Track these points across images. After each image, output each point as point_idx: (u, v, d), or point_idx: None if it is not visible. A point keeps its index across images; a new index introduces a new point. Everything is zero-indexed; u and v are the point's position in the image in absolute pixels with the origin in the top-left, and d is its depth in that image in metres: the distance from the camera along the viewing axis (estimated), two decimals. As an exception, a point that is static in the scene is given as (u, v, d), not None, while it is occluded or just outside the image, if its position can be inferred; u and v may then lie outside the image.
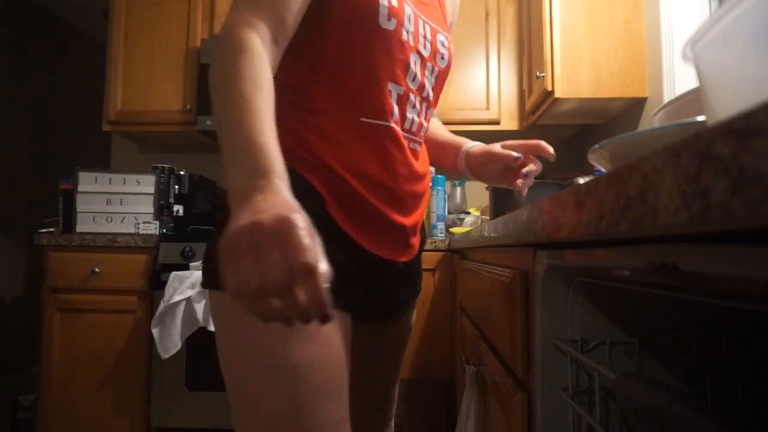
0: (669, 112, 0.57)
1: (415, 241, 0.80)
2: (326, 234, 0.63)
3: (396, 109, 0.73)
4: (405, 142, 0.75)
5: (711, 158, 0.23)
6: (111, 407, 1.99)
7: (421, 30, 0.76)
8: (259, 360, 0.61)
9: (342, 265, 0.66)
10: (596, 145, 0.44)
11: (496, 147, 0.91)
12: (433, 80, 0.80)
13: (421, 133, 0.79)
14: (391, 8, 0.70)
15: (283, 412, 0.60)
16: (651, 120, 0.61)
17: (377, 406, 0.87)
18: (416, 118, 0.77)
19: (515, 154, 0.89)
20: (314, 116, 0.69)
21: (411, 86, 0.75)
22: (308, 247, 0.43)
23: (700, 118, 0.39)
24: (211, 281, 0.68)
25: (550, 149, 0.90)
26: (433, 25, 0.79)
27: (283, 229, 0.43)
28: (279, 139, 0.63)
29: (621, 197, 0.33)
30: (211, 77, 0.61)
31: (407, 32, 0.73)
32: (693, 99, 0.55)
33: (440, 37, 0.79)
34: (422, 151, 0.82)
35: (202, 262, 0.71)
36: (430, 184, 2.23)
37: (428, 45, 0.77)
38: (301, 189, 0.63)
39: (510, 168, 0.91)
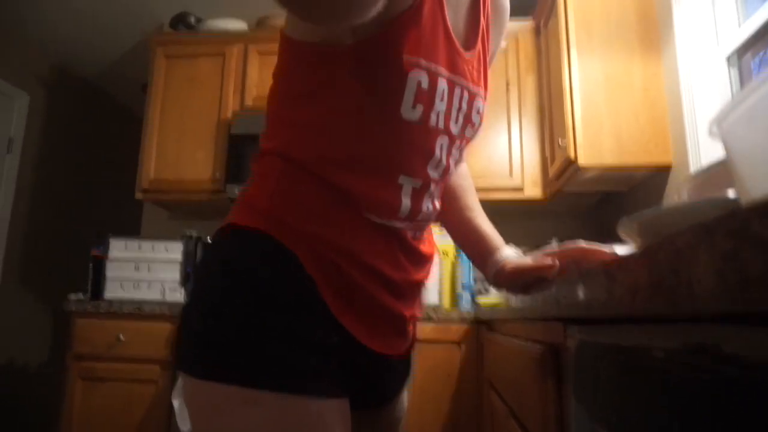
0: (698, 184, 0.57)
1: (412, 329, 0.75)
2: (320, 318, 0.60)
3: (407, 205, 0.66)
4: (412, 239, 0.70)
5: (747, 237, 0.22)
6: (127, 482, 1.93)
7: (455, 103, 0.67)
8: None
9: (338, 347, 0.62)
10: (624, 218, 0.43)
11: (523, 261, 0.79)
12: (458, 154, 0.72)
13: (434, 215, 0.73)
14: (419, 93, 0.61)
15: None
16: (680, 193, 0.60)
17: None
18: (431, 206, 0.71)
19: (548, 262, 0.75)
20: (309, 188, 0.63)
21: (432, 175, 0.68)
22: None
23: (731, 192, 0.38)
24: (186, 361, 0.61)
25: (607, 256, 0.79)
26: (471, 89, 0.68)
27: None
28: (271, 208, 0.62)
29: (654, 273, 0.32)
30: None
31: (437, 115, 0.64)
32: (723, 170, 0.55)
33: (477, 104, 0.70)
34: (429, 231, 0.75)
35: (183, 340, 0.63)
36: (455, 253, 2.22)
37: (461, 119, 0.68)
38: (292, 273, 0.60)
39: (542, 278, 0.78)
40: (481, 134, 2.36)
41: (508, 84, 2.44)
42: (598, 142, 1.81)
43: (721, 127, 0.30)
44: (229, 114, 2.52)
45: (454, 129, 0.67)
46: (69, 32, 3.12)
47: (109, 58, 3.41)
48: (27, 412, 3.20)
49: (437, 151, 0.66)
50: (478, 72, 0.70)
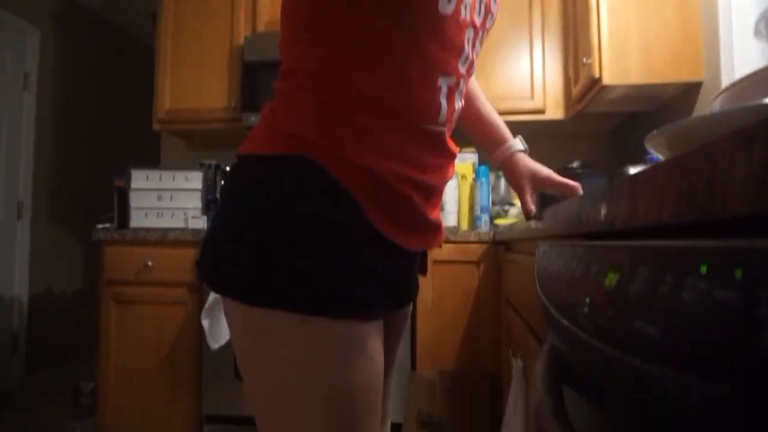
0: (731, 95, 0.54)
1: (442, 233, 0.78)
2: (367, 241, 0.63)
3: (444, 106, 0.67)
4: (447, 139, 0.71)
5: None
6: (165, 395, 2.07)
7: None
8: (312, 379, 0.59)
9: (383, 271, 0.65)
10: (654, 131, 0.42)
11: (543, 171, 0.92)
12: (480, 45, 0.73)
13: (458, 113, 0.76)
14: None
15: (339, 428, 0.60)
16: (711, 104, 0.58)
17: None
18: (461, 104, 0.73)
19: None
20: (347, 106, 0.63)
21: (461, 71, 0.69)
22: None
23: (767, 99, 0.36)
24: (235, 289, 0.61)
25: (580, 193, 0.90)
26: None
27: None
28: (307, 130, 0.62)
29: (685, 186, 0.31)
30: None
31: (465, 7, 0.65)
32: (757, 81, 0.52)
33: None
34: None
35: (212, 260, 0.64)
36: (473, 176, 2.20)
37: (482, 8, 0.69)
38: (337, 197, 0.61)
39: (538, 187, 0.93)
40: (501, 54, 2.28)
41: (531, 0, 2.32)
42: (625, 59, 1.73)
43: None
44: (242, 40, 2.45)
45: (478, 19, 0.68)
46: (72, -45, 3.00)
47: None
48: (68, 335, 3.40)
49: (465, 45, 0.67)
50: None
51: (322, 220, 0.61)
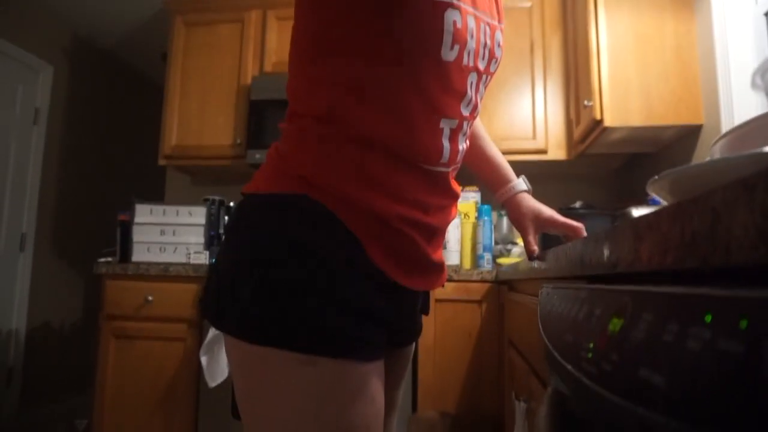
0: (731, 141, 0.55)
1: (445, 273, 0.79)
2: (369, 281, 0.63)
3: (447, 148, 0.68)
4: (450, 180, 0.72)
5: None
6: (160, 434, 2.02)
7: (481, 38, 0.68)
8: (312, 421, 0.59)
9: (386, 312, 0.65)
10: (656, 176, 0.42)
11: (546, 212, 0.93)
12: (483, 89, 0.74)
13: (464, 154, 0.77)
14: (456, 33, 0.63)
15: None
16: (711, 149, 0.58)
17: None
18: (465, 146, 0.74)
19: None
20: (352, 148, 0.64)
21: (464, 113, 0.69)
22: None
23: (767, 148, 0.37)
24: (237, 327, 0.61)
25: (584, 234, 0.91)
26: (491, 21, 0.70)
27: None
28: (312, 171, 0.63)
29: (687, 232, 0.31)
30: None
31: (468, 53, 0.66)
32: (757, 127, 0.53)
33: (498, 37, 0.71)
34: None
35: (214, 296, 0.64)
36: (476, 215, 2.21)
37: (486, 54, 0.69)
38: (339, 237, 0.62)
39: (541, 228, 0.94)
40: (504, 95, 2.31)
41: (532, 45, 2.37)
42: (626, 102, 1.76)
43: (765, 77, 0.29)
44: (249, 80, 2.51)
45: (482, 65, 0.69)
46: (89, 2, 3.10)
47: (129, 27, 3.40)
48: (65, 370, 3.35)
49: (468, 89, 0.68)
50: (494, 2, 0.72)
51: (326, 259, 0.61)
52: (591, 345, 0.35)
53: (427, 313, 0.84)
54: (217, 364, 1.87)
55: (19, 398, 2.99)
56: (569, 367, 0.39)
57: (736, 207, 0.26)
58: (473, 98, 0.70)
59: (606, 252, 0.47)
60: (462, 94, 0.68)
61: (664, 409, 0.24)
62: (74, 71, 3.46)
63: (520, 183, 0.95)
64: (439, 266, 0.75)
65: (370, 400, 0.62)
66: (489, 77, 0.74)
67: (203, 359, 1.88)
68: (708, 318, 0.23)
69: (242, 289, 0.61)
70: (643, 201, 1.83)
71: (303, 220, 0.62)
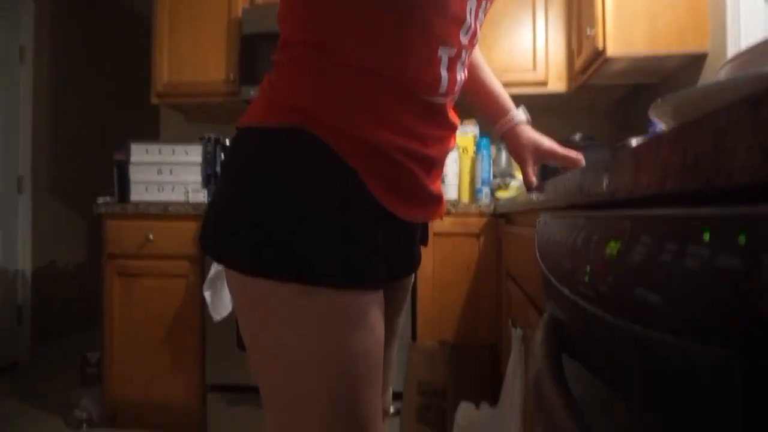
0: (737, 65, 0.53)
1: (443, 204, 0.79)
2: (368, 212, 0.64)
3: (445, 77, 0.67)
4: (448, 111, 0.71)
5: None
6: (168, 365, 2.10)
7: None
8: (314, 349, 0.60)
9: (384, 242, 0.66)
10: (659, 100, 0.41)
11: (545, 143, 0.92)
12: (483, 16, 0.71)
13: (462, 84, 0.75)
14: None
15: (337, 398, 0.61)
16: (717, 74, 0.57)
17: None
18: (463, 75, 0.72)
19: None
20: (347, 78, 0.62)
21: (463, 41, 0.68)
22: None
23: (776, 68, 0.36)
24: (237, 261, 0.62)
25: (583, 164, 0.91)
26: None
27: None
28: (307, 103, 0.62)
29: (689, 154, 0.31)
30: None
31: None
32: (764, 51, 0.51)
33: None
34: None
35: (214, 232, 0.65)
36: (474, 149, 2.19)
37: None
38: (337, 169, 0.62)
39: (540, 159, 0.94)
40: (503, 26, 2.24)
41: (534, -31, 2.27)
42: (630, 30, 1.70)
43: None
44: (240, 12, 2.41)
45: None
46: None
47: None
48: (72, 307, 3.44)
49: (467, 16, 0.66)
50: None
51: (322, 191, 0.61)
52: (588, 269, 0.36)
53: (426, 243, 0.85)
54: (220, 299, 1.91)
55: (31, 335, 3.09)
56: (566, 291, 0.40)
57: (740, 126, 0.25)
58: (472, 25, 0.68)
59: (605, 180, 0.47)
60: (461, 21, 0.66)
61: (660, 327, 0.25)
62: (57, 6, 3.31)
63: (519, 114, 0.94)
64: (438, 198, 0.75)
65: (370, 329, 0.63)
66: (489, 3, 0.71)
67: (207, 294, 1.92)
68: (706, 236, 0.23)
69: (240, 223, 0.61)
70: (644, 132, 1.81)
71: (298, 153, 0.62)
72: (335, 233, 0.61)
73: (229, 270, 0.64)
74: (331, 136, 0.62)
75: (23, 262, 3.05)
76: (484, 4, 0.69)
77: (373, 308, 0.64)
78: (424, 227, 0.83)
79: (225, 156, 0.64)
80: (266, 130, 0.64)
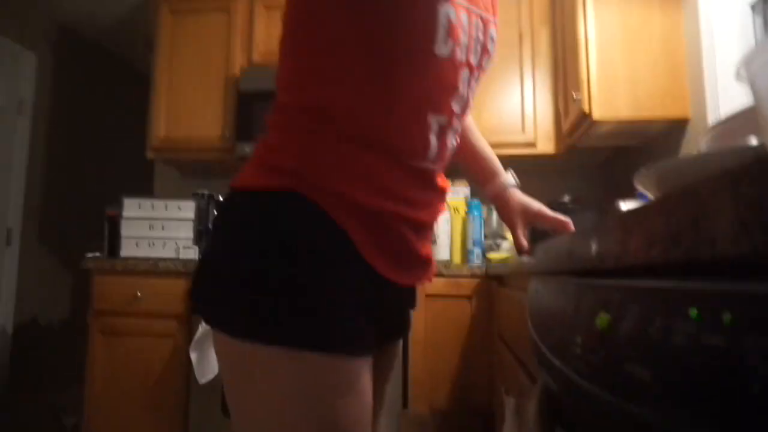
0: (718, 135, 0.55)
1: (433, 268, 0.78)
2: (358, 276, 0.63)
3: (434, 144, 0.67)
4: (437, 176, 0.72)
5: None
6: (151, 428, 2.01)
7: (474, 33, 0.67)
8: (300, 417, 0.58)
9: (373, 307, 0.65)
10: (643, 170, 0.42)
11: (534, 207, 0.93)
12: (475, 86, 0.73)
13: (453, 151, 0.76)
14: (450, 27, 0.62)
15: None
16: (698, 145, 0.59)
17: None
18: (454, 143, 0.73)
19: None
20: (339, 143, 0.63)
21: (456, 110, 0.69)
22: None
23: (753, 140, 0.37)
24: (226, 322, 0.61)
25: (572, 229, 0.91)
26: (485, 16, 0.69)
27: None
28: (298, 165, 0.62)
29: (673, 226, 0.31)
30: None
31: (461, 49, 0.65)
32: (743, 121, 0.53)
33: (491, 32, 0.70)
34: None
35: (203, 292, 0.64)
36: (466, 210, 2.21)
37: (479, 49, 0.69)
38: (327, 233, 0.61)
39: (529, 222, 0.94)
40: (492, 88, 2.31)
41: (521, 36, 2.37)
42: (613, 95, 1.77)
43: (749, 69, 0.29)
44: (237, 71, 2.49)
45: (474, 60, 0.68)
46: (73, -12, 3.06)
47: (113, 16, 3.35)
48: (53, 366, 3.32)
49: (460, 86, 0.67)
50: None
51: (314, 255, 0.61)
52: (579, 340, 0.35)
53: (414, 307, 0.84)
54: (207, 361, 1.86)
55: (7, 394, 2.96)
56: (558, 362, 0.39)
57: (721, 200, 0.26)
58: (465, 94, 0.70)
59: (594, 246, 0.47)
60: (454, 90, 0.67)
61: (650, 404, 0.24)
62: (58, 60, 3.40)
63: (509, 178, 0.95)
64: (428, 261, 0.75)
65: (360, 395, 0.62)
66: (481, 73, 0.73)
67: (193, 356, 1.87)
68: (693, 313, 0.23)
69: (230, 284, 0.60)
70: (630, 194, 1.84)
71: (292, 217, 0.62)
72: (324, 297, 0.60)
73: (216, 331, 0.63)
74: (322, 200, 0.62)
75: (4, 317, 2.98)
76: (477, 74, 0.71)
77: (362, 374, 0.62)
78: (413, 291, 0.82)
79: (217, 214, 0.65)
80: (257, 193, 0.64)
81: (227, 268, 0.62)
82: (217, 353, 0.64)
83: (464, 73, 0.68)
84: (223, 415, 1.93)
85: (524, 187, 0.98)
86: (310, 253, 0.60)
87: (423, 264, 0.73)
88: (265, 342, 0.58)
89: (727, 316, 0.20)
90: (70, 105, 3.52)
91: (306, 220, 0.62)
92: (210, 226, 2.33)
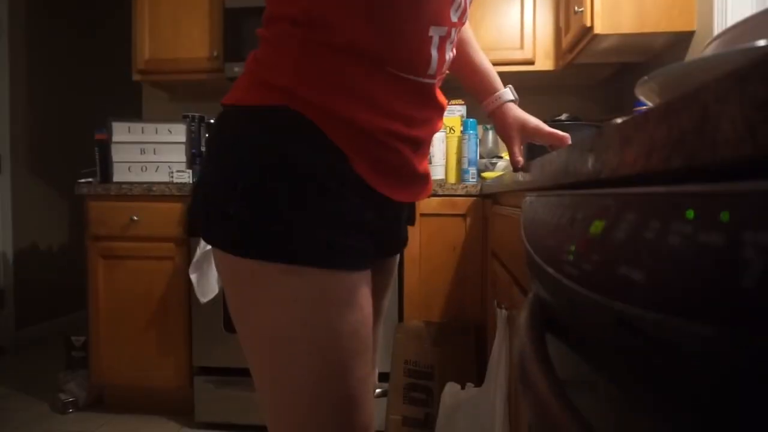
0: (724, 41, 0.53)
1: (430, 184, 0.79)
2: (355, 192, 0.64)
3: (435, 57, 0.66)
4: (436, 92, 0.71)
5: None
6: (156, 347, 2.09)
7: None
8: (303, 328, 0.61)
9: (371, 222, 0.66)
10: (645, 77, 0.41)
11: (532, 122, 0.92)
12: None
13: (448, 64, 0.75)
14: None
15: (327, 377, 0.62)
16: (702, 52, 0.56)
17: None
18: (451, 54, 0.72)
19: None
20: (334, 57, 0.62)
21: (454, 20, 0.67)
22: None
23: (762, 42, 0.36)
24: (225, 241, 0.62)
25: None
26: None
27: None
28: (292, 81, 0.61)
29: (674, 131, 0.30)
30: None
31: None
32: (749, 27, 0.51)
33: None
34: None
35: (201, 212, 0.65)
36: (461, 129, 2.18)
37: None
38: (324, 150, 0.62)
39: (526, 138, 0.94)
40: (491, 3, 2.21)
41: (522, -55, 2.23)
42: (617, 7, 1.69)
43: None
44: (222, -16, 2.35)
45: None
46: None
47: None
48: (56, 290, 3.40)
49: None
50: None
51: (310, 171, 0.61)
52: (572, 248, 0.35)
53: (412, 223, 0.85)
54: (207, 281, 1.90)
55: (15, 319, 3.05)
56: (550, 270, 0.40)
57: (726, 101, 0.25)
58: (462, 2, 0.68)
59: (591, 159, 0.46)
60: None
61: (643, 303, 0.25)
62: (32, -20, 3.21)
63: (507, 92, 0.94)
64: (425, 178, 0.75)
65: (359, 308, 0.64)
66: None
67: (193, 277, 1.91)
68: (690, 214, 0.23)
69: (228, 203, 0.61)
70: (631, 112, 1.81)
71: (286, 133, 0.61)
72: (323, 213, 0.61)
73: (217, 250, 0.64)
74: (317, 116, 0.61)
75: (4, 244, 3.01)
76: None
77: (361, 287, 0.64)
78: (411, 207, 0.83)
79: (210, 133, 0.65)
80: (251, 108, 0.63)
81: (223, 187, 0.62)
82: (219, 271, 0.66)
83: None
84: (226, 332, 2.00)
85: (522, 105, 0.96)
86: (305, 170, 0.61)
87: (421, 180, 0.74)
88: (263, 258, 0.60)
89: (724, 215, 0.20)
90: (48, 25, 3.36)
91: (299, 137, 0.61)
92: (202, 148, 2.30)
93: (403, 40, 0.63)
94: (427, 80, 0.67)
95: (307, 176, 0.61)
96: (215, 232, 0.64)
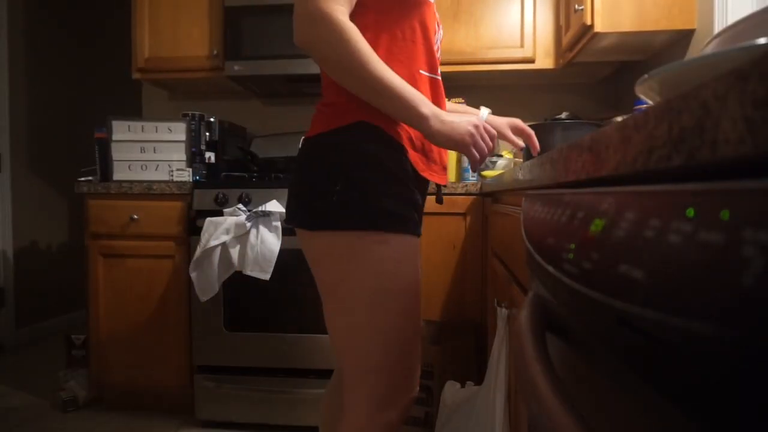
0: (724, 40, 0.53)
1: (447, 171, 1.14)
2: (411, 180, 0.93)
3: (438, 61, 1.02)
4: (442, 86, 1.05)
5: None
6: (156, 346, 2.10)
7: None
8: (393, 280, 0.90)
9: (418, 202, 0.96)
10: (645, 75, 0.41)
11: (513, 120, 1.23)
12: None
13: None
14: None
15: (410, 314, 0.93)
16: (703, 50, 0.56)
17: None
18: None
19: (516, 139, 1.24)
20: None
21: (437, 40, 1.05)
22: (493, 134, 0.91)
23: (763, 40, 0.35)
24: (328, 221, 0.88)
25: (537, 146, 1.22)
26: None
27: (485, 126, 0.90)
28: (362, 108, 0.90)
29: (675, 129, 0.30)
30: (331, 51, 0.82)
31: None
32: (753, 25, 0.51)
33: None
34: None
35: (306, 205, 0.91)
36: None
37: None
38: (392, 147, 0.91)
39: (515, 130, 1.25)
40: (492, 1, 2.21)
41: (522, -57, 2.23)
42: (618, 6, 1.69)
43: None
44: (222, -17, 2.35)
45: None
46: None
47: None
48: (57, 288, 3.40)
49: (436, 23, 1.06)
50: None
51: (389, 166, 0.90)
52: (572, 246, 0.35)
53: (441, 202, 1.17)
54: (207, 280, 1.90)
55: (15, 317, 3.06)
56: (550, 268, 0.40)
57: (726, 99, 0.25)
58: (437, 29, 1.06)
59: (591, 157, 0.46)
60: (435, 22, 1.03)
61: (643, 302, 0.25)
62: (32, -23, 3.20)
63: (484, 111, 1.19)
64: (445, 166, 1.06)
65: (419, 265, 0.97)
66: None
67: (193, 275, 1.91)
68: (690, 212, 0.23)
69: (329, 193, 0.88)
70: (630, 111, 1.81)
71: (369, 138, 0.90)
72: (398, 196, 0.90)
73: (314, 234, 0.90)
74: (384, 125, 0.91)
75: (4, 242, 3.01)
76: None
77: (418, 249, 0.97)
78: (438, 189, 1.14)
79: (303, 155, 0.96)
80: (339, 129, 0.91)
81: (324, 182, 0.89)
82: (314, 253, 0.92)
83: (435, 14, 1.02)
84: (226, 331, 2.00)
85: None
86: (386, 165, 0.89)
87: (444, 168, 1.06)
88: (362, 229, 0.88)
89: (725, 213, 0.20)
90: (47, 23, 3.35)
91: (380, 140, 0.90)
92: (203, 147, 2.30)
93: (425, 49, 0.99)
94: (439, 77, 1.02)
95: (386, 169, 0.89)
96: (319, 217, 0.89)
